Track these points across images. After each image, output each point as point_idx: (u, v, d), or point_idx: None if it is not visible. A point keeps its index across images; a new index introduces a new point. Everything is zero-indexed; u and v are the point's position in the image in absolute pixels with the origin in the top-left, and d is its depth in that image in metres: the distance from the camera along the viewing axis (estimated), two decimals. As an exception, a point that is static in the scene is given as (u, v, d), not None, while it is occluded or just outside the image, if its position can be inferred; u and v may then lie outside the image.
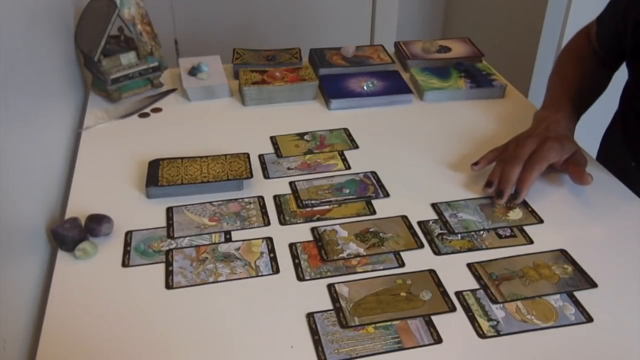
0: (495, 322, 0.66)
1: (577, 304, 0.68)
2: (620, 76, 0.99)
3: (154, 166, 0.88)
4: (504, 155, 0.86)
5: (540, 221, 0.81)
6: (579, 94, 0.95)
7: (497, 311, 0.67)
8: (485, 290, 0.70)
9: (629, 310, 0.68)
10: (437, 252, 0.76)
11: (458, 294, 0.69)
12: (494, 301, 0.68)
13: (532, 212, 0.83)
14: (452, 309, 0.67)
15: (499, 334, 0.65)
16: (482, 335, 0.64)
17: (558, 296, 0.69)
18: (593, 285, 0.71)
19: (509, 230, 0.79)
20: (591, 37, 1.03)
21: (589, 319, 0.66)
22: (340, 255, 0.75)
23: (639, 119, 0.93)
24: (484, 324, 0.66)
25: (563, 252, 0.76)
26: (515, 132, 1.01)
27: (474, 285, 0.71)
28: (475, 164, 0.87)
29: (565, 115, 0.90)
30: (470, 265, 0.74)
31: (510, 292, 0.70)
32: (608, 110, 1.05)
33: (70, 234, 0.74)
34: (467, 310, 0.67)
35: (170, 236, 0.77)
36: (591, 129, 1.12)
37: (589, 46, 1.03)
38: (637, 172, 0.92)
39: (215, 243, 0.77)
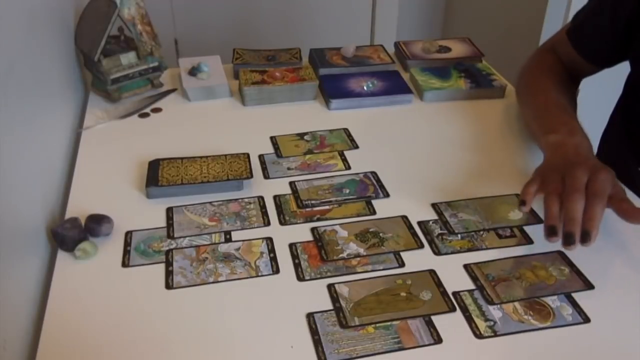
0: (492, 323, 0.66)
1: (574, 304, 0.68)
2: (616, 76, 0.99)
3: (154, 166, 0.88)
4: (553, 188, 0.72)
5: (540, 221, 0.81)
6: (574, 110, 0.92)
7: (494, 311, 0.67)
8: (482, 291, 0.70)
9: (626, 311, 0.68)
10: (437, 252, 0.76)
11: (455, 294, 0.69)
12: (490, 302, 0.68)
13: (532, 212, 0.83)
14: (452, 309, 0.67)
15: (495, 334, 0.65)
16: (479, 335, 0.64)
17: (555, 297, 0.69)
18: (589, 287, 0.71)
19: (509, 230, 0.79)
20: (560, 51, 1.01)
21: (586, 320, 0.66)
22: (340, 255, 0.75)
23: None
24: (481, 324, 0.66)
25: (560, 254, 0.76)
26: (515, 132, 1.02)
27: (472, 286, 0.71)
28: (523, 203, 0.73)
29: (583, 140, 0.82)
30: (466, 266, 0.74)
31: (507, 294, 0.69)
32: (605, 109, 1.05)
33: (70, 234, 0.74)
34: (465, 310, 0.67)
35: (170, 236, 0.77)
36: (588, 127, 1.11)
37: (558, 62, 1.01)
38: None
39: (215, 243, 0.77)
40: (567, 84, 0.98)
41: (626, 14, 0.88)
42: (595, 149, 1.04)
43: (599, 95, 1.07)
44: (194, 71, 1.14)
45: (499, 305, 0.68)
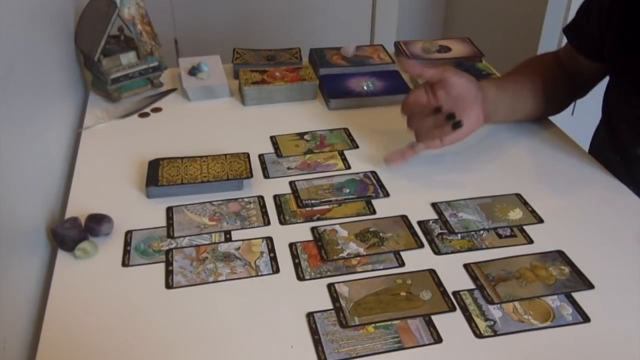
0: (492, 322, 0.66)
1: (574, 304, 0.68)
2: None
3: (154, 166, 0.88)
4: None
5: (540, 221, 0.81)
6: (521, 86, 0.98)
7: (494, 311, 0.67)
8: (482, 291, 0.70)
9: (626, 310, 0.68)
10: (437, 252, 0.76)
11: (455, 293, 0.69)
12: (490, 302, 0.68)
13: (532, 212, 0.83)
14: (452, 308, 0.67)
15: (495, 334, 0.65)
16: (479, 335, 0.64)
17: (555, 296, 0.69)
18: (590, 286, 0.71)
19: (509, 230, 0.79)
20: (562, 54, 1.03)
21: (586, 319, 0.66)
22: (340, 255, 0.75)
23: (619, 117, 0.95)
24: (481, 324, 0.66)
25: (560, 253, 0.76)
26: (514, 132, 1.02)
27: (472, 285, 0.71)
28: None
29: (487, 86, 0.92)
30: (466, 266, 0.74)
31: (507, 293, 0.69)
32: (598, 110, 1.06)
33: (70, 233, 0.74)
34: (465, 310, 0.67)
35: (170, 236, 0.77)
36: (584, 127, 1.13)
37: (553, 59, 1.04)
38: (620, 166, 0.94)
39: (215, 243, 0.77)
40: (551, 78, 1.00)
41: (607, 5, 0.90)
42: (588, 144, 1.06)
43: (596, 94, 1.08)
44: (194, 71, 1.14)
45: (499, 305, 0.68)
